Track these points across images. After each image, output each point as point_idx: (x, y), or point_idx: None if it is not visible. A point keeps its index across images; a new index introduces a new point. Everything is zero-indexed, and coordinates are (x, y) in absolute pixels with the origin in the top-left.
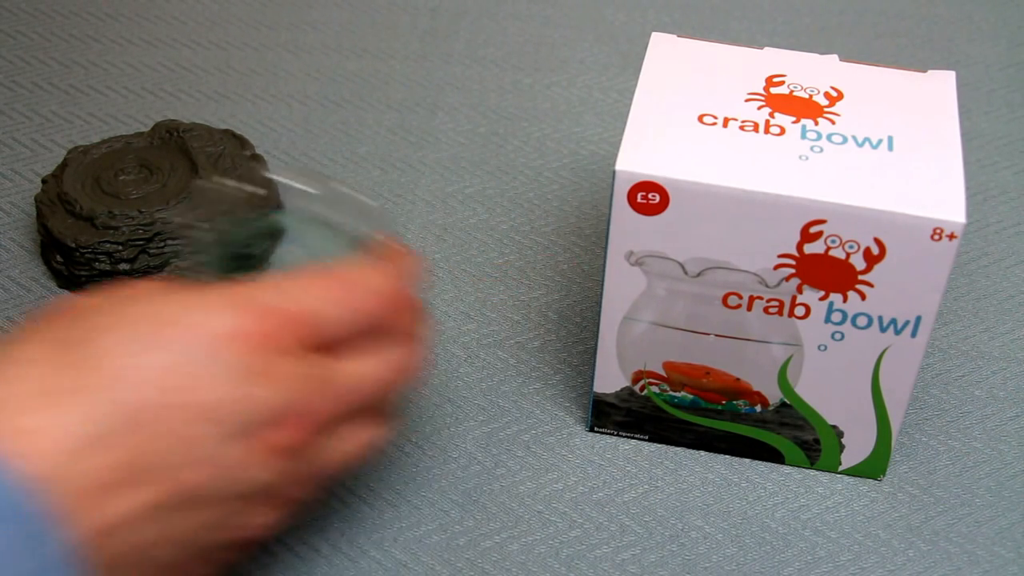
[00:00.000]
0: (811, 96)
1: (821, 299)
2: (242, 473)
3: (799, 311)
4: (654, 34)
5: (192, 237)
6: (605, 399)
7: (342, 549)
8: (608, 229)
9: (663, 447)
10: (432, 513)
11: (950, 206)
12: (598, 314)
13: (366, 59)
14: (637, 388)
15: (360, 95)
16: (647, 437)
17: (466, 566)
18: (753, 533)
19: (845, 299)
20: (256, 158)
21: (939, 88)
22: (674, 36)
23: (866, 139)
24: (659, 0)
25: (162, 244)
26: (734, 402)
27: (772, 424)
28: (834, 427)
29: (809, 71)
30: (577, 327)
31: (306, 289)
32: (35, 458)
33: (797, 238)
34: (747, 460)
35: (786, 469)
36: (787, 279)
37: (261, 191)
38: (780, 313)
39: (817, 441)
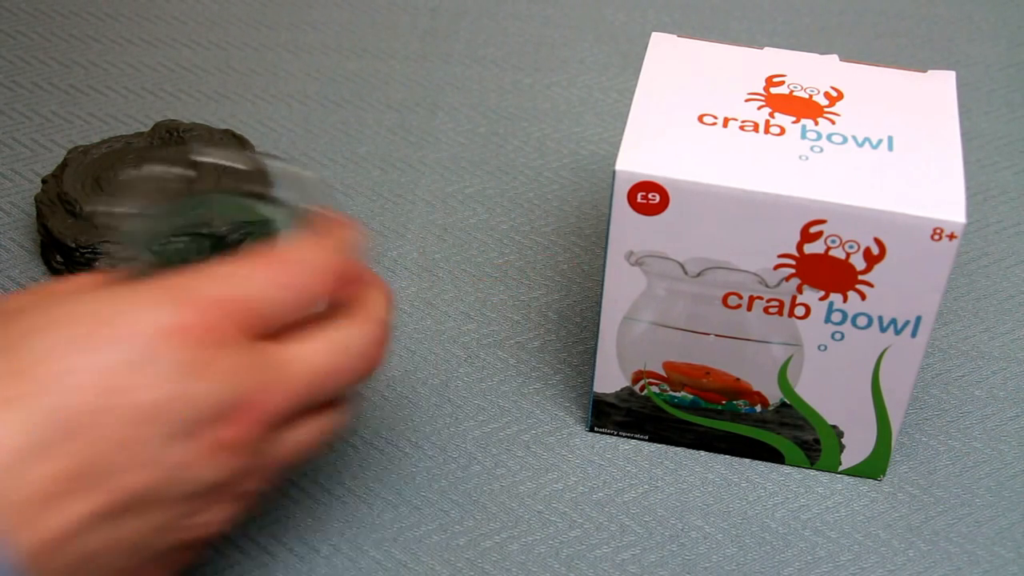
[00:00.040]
0: (811, 96)
1: (821, 299)
2: (189, 473)
3: (799, 311)
4: (654, 34)
5: (121, 228)
6: (605, 399)
7: (342, 549)
8: (608, 229)
9: (663, 447)
10: (432, 513)
11: (950, 206)
12: (598, 314)
13: (366, 59)
14: (637, 388)
15: (360, 95)
16: (647, 437)
17: (466, 566)
18: (753, 533)
19: (845, 299)
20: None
21: (939, 88)
22: (674, 36)
23: (866, 139)
24: (659, 0)
25: (163, 243)
26: (734, 402)
27: (772, 424)
28: (834, 427)
29: (809, 71)
30: (577, 327)
31: (244, 274)
32: None
33: (797, 238)
34: (747, 460)
35: (786, 469)
36: (787, 279)
37: (190, 173)
38: (780, 313)
39: (817, 441)
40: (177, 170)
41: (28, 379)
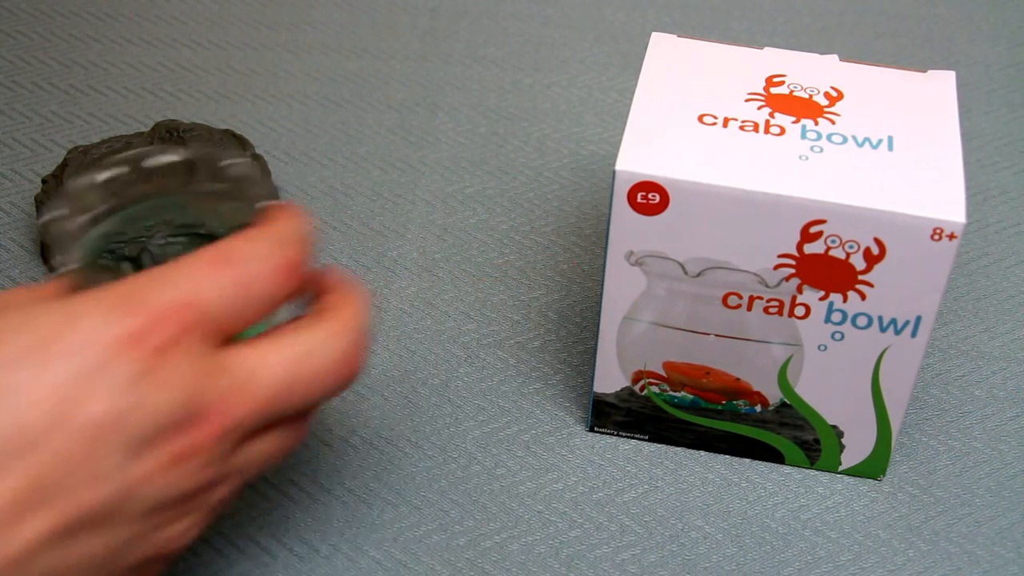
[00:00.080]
0: (811, 96)
1: (821, 299)
2: (148, 486)
3: (799, 311)
4: (654, 34)
5: (60, 236)
6: (605, 399)
7: (342, 549)
8: (608, 229)
9: (663, 447)
10: (432, 513)
11: (950, 206)
12: (598, 314)
13: (366, 59)
14: (637, 388)
15: (360, 95)
16: (647, 437)
17: (466, 566)
18: (753, 533)
19: (845, 299)
20: (256, 158)
21: (939, 88)
22: (674, 36)
23: (866, 139)
24: (659, 0)
25: (163, 243)
26: (734, 402)
27: (772, 424)
28: (834, 427)
29: (809, 71)
30: (577, 327)
31: (193, 276)
32: None
33: (797, 238)
34: (747, 460)
35: (786, 469)
36: (787, 279)
37: (125, 171)
38: (780, 313)
39: (817, 441)
40: (122, 173)
41: None
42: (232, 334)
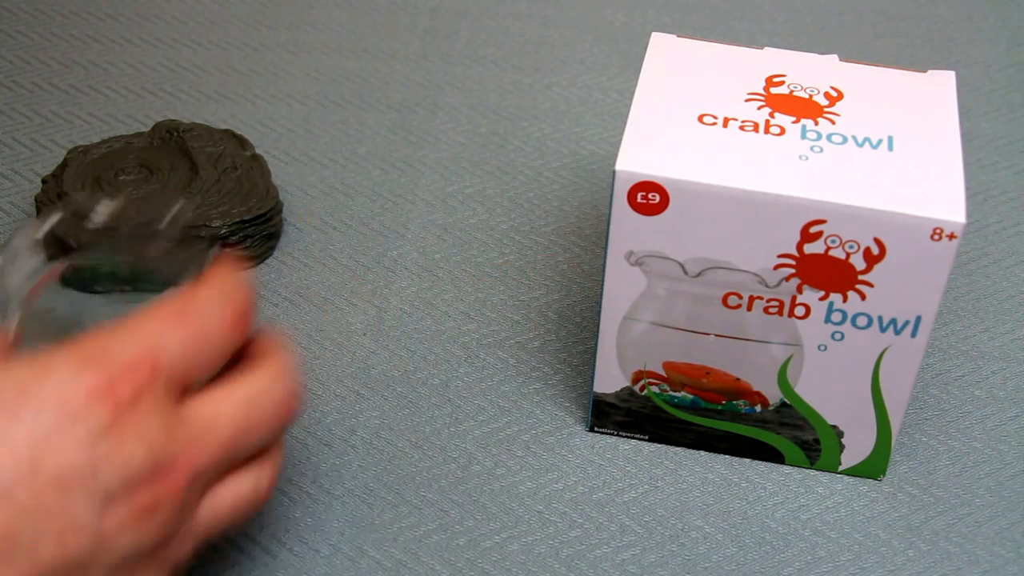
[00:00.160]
0: (811, 96)
1: (821, 299)
2: (119, 538)
3: (799, 311)
4: (654, 34)
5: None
6: (605, 399)
7: (342, 549)
8: (608, 229)
9: (663, 447)
10: (432, 513)
11: (950, 206)
12: (598, 314)
13: (366, 59)
14: (637, 388)
15: (360, 95)
16: (647, 437)
17: (466, 566)
18: (753, 533)
19: (845, 299)
20: (256, 158)
21: (939, 88)
22: (674, 36)
23: (866, 139)
24: (659, 0)
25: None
26: (734, 402)
27: (772, 424)
28: (834, 427)
29: (809, 71)
30: (577, 327)
31: (154, 331)
32: None
33: (797, 238)
34: (747, 460)
35: (786, 469)
36: (787, 279)
37: (66, 221)
38: (780, 313)
39: (817, 441)
40: (63, 222)
41: None
42: (190, 384)
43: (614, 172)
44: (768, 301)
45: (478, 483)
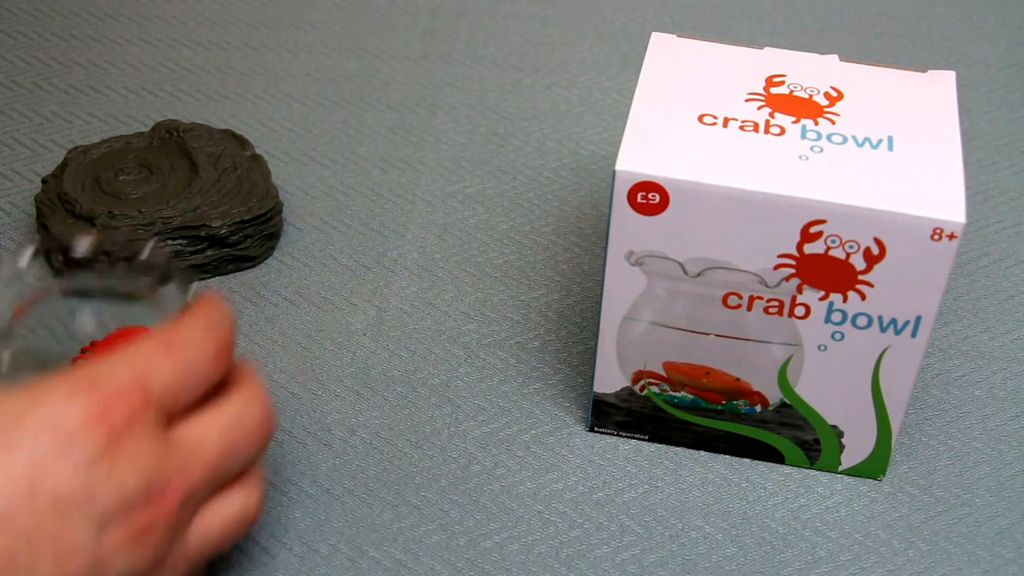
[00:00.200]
0: (811, 96)
1: (821, 299)
2: (116, 560)
3: (799, 311)
4: (654, 34)
5: None
6: (605, 399)
7: (342, 549)
8: (608, 229)
9: (663, 447)
10: (432, 513)
11: (950, 206)
12: (598, 314)
13: (366, 59)
14: (637, 388)
15: (360, 95)
16: (647, 437)
17: (466, 566)
18: (753, 533)
19: (845, 299)
20: (256, 158)
21: (939, 88)
22: (674, 36)
23: (866, 139)
24: (659, 0)
25: (162, 244)
26: (734, 402)
27: (772, 424)
28: (834, 427)
29: (809, 71)
30: (577, 327)
31: (143, 360)
32: None
33: (797, 238)
34: (747, 460)
35: (786, 469)
36: (787, 279)
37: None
38: (780, 313)
39: (817, 441)
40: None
41: None
42: (177, 411)
43: (614, 172)
44: (768, 301)
45: (478, 483)
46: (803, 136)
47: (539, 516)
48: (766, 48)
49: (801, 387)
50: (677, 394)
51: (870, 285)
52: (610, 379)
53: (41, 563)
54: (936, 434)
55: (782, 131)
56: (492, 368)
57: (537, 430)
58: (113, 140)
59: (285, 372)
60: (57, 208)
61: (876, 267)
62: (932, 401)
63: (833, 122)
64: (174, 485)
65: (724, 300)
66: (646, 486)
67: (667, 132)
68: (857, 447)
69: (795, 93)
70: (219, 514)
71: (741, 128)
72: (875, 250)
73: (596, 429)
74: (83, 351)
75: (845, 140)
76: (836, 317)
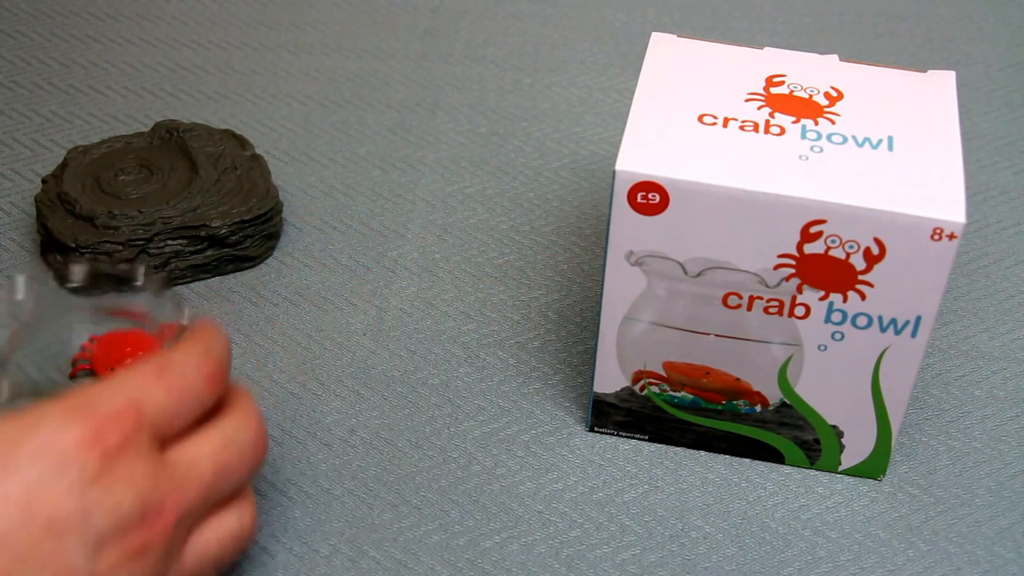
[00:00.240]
0: (811, 96)
1: (821, 299)
2: None
3: (799, 311)
4: (654, 34)
5: None
6: (605, 399)
7: (342, 549)
8: (608, 229)
9: (663, 447)
10: (432, 513)
11: (950, 206)
12: (598, 314)
13: (366, 59)
14: (637, 388)
15: (360, 95)
16: (647, 437)
17: (466, 566)
18: (753, 533)
19: (845, 299)
20: (256, 158)
21: (939, 88)
22: (674, 36)
23: (866, 139)
24: (659, 0)
25: (162, 244)
26: (734, 402)
27: (772, 424)
28: (834, 427)
29: (809, 71)
30: (577, 327)
31: (137, 385)
32: None
33: (797, 238)
34: (747, 460)
35: (786, 469)
36: (787, 279)
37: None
38: (780, 313)
39: (817, 441)
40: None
41: None
42: (170, 434)
43: (614, 172)
44: (768, 301)
45: (478, 483)
46: (803, 136)
47: (539, 516)
48: (766, 48)
49: (801, 387)
50: (677, 394)
51: (870, 285)
52: (610, 379)
53: None
54: (936, 434)
55: (782, 131)
56: (492, 368)
57: (537, 430)
58: (113, 140)
59: (285, 372)
60: (57, 208)
61: (876, 267)
62: (932, 401)
63: (833, 122)
64: (169, 505)
65: (724, 300)
66: (646, 486)
67: (667, 132)
68: (857, 447)
69: (795, 93)
70: (215, 532)
71: (741, 128)
72: (875, 250)
73: (596, 429)
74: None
75: (845, 140)
76: (836, 317)
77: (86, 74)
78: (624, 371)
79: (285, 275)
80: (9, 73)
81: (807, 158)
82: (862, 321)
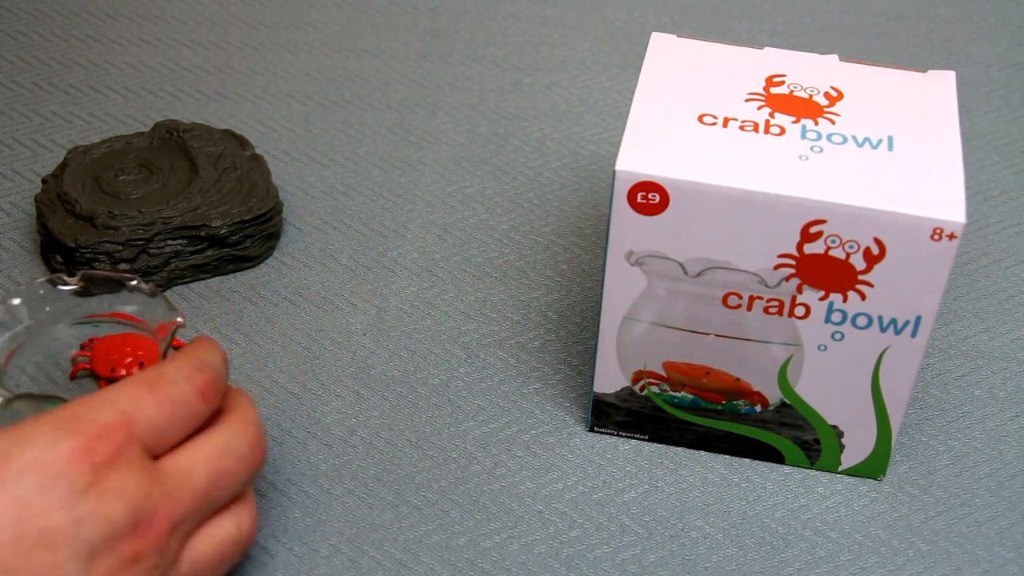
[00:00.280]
0: (811, 96)
1: (821, 299)
2: None
3: (799, 311)
4: (654, 34)
5: None
6: (605, 399)
7: (342, 549)
8: (608, 229)
9: (663, 447)
10: (432, 513)
11: (950, 206)
12: (598, 314)
13: (366, 59)
14: (637, 388)
15: (360, 95)
16: (647, 437)
17: (466, 566)
18: (753, 533)
19: (845, 299)
20: (256, 158)
21: (939, 88)
22: (674, 36)
23: (866, 139)
24: (659, 0)
25: (162, 244)
26: (734, 402)
27: (772, 424)
28: (834, 427)
29: (809, 71)
30: (577, 327)
31: (128, 399)
32: None
33: (797, 238)
34: (747, 460)
35: (786, 469)
36: (787, 279)
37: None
38: (780, 313)
39: (817, 441)
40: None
41: None
42: (163, 448)
43: (614, 172)
44: (768, 301)
45: (478, 483)
46: (803, 136)
47: (539, 516)
48: (766, 48)
49: (801, 387)
50: (677, 394)
51: (870, 285)
52: (610, 379)
53: None
54: (936, 434)
55: (782, 131)
56: (492, 368)
57: (537, 430)
58: (113, 140)
59: (285, 372)
60: (57, 208)
61: (876, 267)
62: (932, 401)
63: (833, 122)
64: (161, 514)
65: (724, 300)
66: (646, 486)
67: (667, 132)
68: (857, 447)
69: (795, 93)
70: (212, 538)
71: (741, 128)
72: (875, 250)
73: (596, 429)
74: (82, 347)
75: (845, 140)
76: (836, 317)
77: (86, 74)
78: (624, 371)
79: (285, 275)
80: (9, 73)
81: (807, 158)
82: (862, 321)
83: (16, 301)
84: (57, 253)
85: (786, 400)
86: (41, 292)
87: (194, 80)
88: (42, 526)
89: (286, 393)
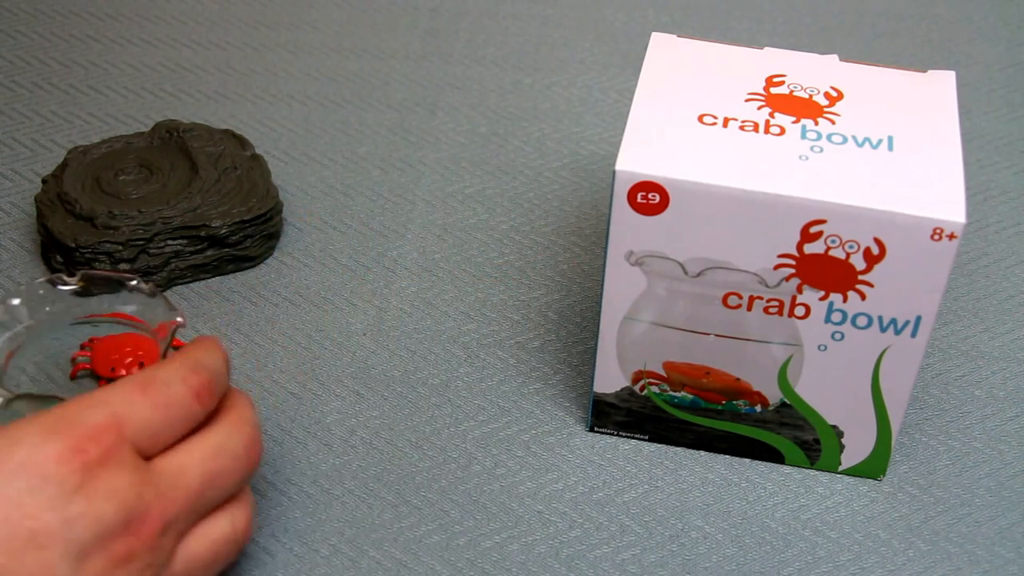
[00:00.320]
0: (811, 96)
1: (821, 299)
2: None
3: (799, 311)
4: (654, 34)
5: None
6: (605, 399)
7: (342, 549)
8: (608, 229)
9: (663, 447)
10: (432, 513)
11: (950, 206)
12: (598, 314)
13: (366, 59)
14: (637, 388)
15: (360, 95)
16: (647, 437)
17: (466, 566)
18: (753, 533)
19: (845, 299)
20: (256, 158)
21: (939, 88)
22: (674, 36)
23: (866, 139)
24: (659, 0)
25: (162, 244)
26: (734, 402)
27: (772, 424)
28: (834, 427)
29: (809, 71)
30: (577, 327)
31: (120, 400)
32: None
33: (797, 238)
34: (747, 460)
35: (786, 469)
36: (787, 279)
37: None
38: (780, 313)
39: (817, 441)
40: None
41: None
42: (156, 449)
43: (614, 172)
44: (768, 301)
45: (478, 483)
46: (803, 136)
47: (539, 516)
48: (766, 48)
49: (801, 387)
50: (677, 394)
51: (870, 285)
52: (610, 379)
53: None
54: (936, 434)
55: (782, 131)
56: (492, 368)
57: (537, 430)
58: (113, 140)
59: (285, 372)
60: (57, 208)
61: (876, 267)
62: (932, 401)
63: (833, 122)
64: (153, 513)
65: (724, 300)
66: (646, 486)
67: (667, 132)
68: (857, 447)
69: (795, 93)
70: (206, 537)
71: (741, 128)
72: (875, 250)
73: (596, 429)
74: (82, 347)
75: (845, 140)
76: (836, 317)
77: (86, 74)
78: (624, 371)
79: (285, 275)
80: (9, 73)
81: (807, 158)
82: (862, 321)
83: (16, 301)
84: (57, 253)
85: (786, 400)
86: (41, 292)
87: (194, 80)
88: (33, 526)
89: (286, 393)
